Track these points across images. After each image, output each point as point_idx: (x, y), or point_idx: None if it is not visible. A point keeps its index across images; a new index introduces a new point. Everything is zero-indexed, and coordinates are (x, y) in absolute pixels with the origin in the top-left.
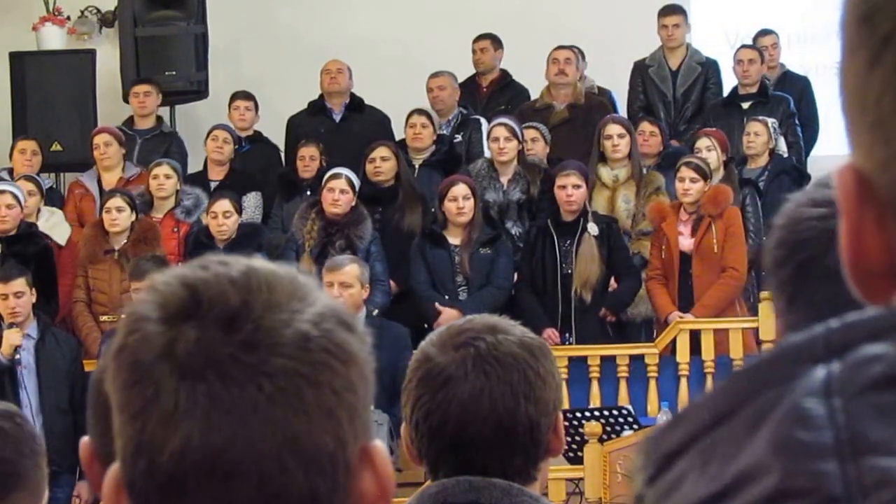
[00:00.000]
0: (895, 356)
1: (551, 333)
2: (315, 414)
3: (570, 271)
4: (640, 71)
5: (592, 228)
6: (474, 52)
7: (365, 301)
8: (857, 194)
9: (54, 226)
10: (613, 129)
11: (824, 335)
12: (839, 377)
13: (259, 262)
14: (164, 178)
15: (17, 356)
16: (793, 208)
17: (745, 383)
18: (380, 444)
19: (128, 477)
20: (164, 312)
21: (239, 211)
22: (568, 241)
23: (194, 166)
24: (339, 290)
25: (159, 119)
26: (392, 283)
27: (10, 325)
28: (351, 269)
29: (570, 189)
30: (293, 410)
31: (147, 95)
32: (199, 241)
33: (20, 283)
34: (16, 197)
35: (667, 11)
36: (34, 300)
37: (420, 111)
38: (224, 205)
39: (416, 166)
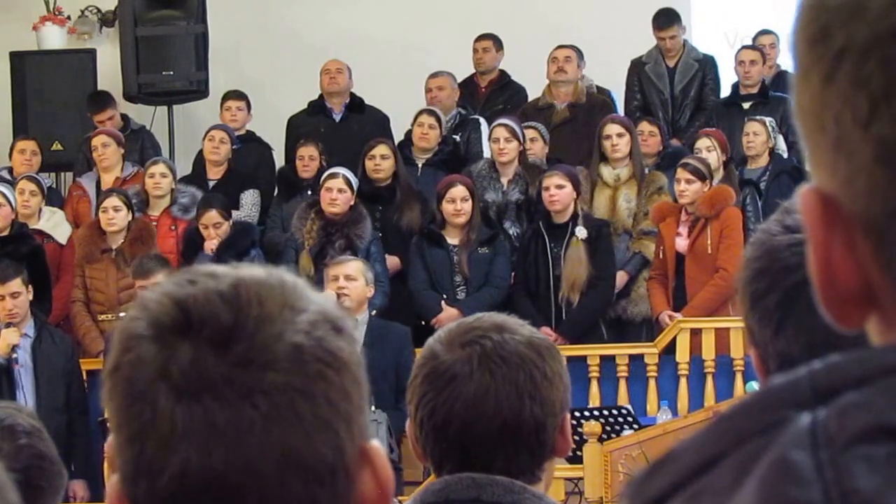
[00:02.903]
0: (883, 404)
1: (546, 332)
2: (312, 427)
3: (560, 274)
4: (637, 69)
5: (580, 232)
6: (475, 51)
7: (369, 300)
8: (824, 217)
9: (56, 225)
10: (612, 128)
11: (808, 378)
12: (825, 427)
13: (247, 271)
14: (159, 177)
15: (14, 355)
16: (766, 238)
17: (730, 429)
18: (378, 445)
19: (130, 496)
20: (156, 331)
21: (228, 217)
22: (558, 245)
23: (187, 165)
24: (345, 281)
25: (125, 118)
26: (397, 258)
27: (8, 325)
28: (356, 264)
29: (552, 189)
30: (290, 426)
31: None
32: (192, 241)
33: (16, 283)
34: (6, 197)
35: (662, 24)
36: (30, 299)
37: (430, 111)
38: (213, 216)
39: (419, 165)
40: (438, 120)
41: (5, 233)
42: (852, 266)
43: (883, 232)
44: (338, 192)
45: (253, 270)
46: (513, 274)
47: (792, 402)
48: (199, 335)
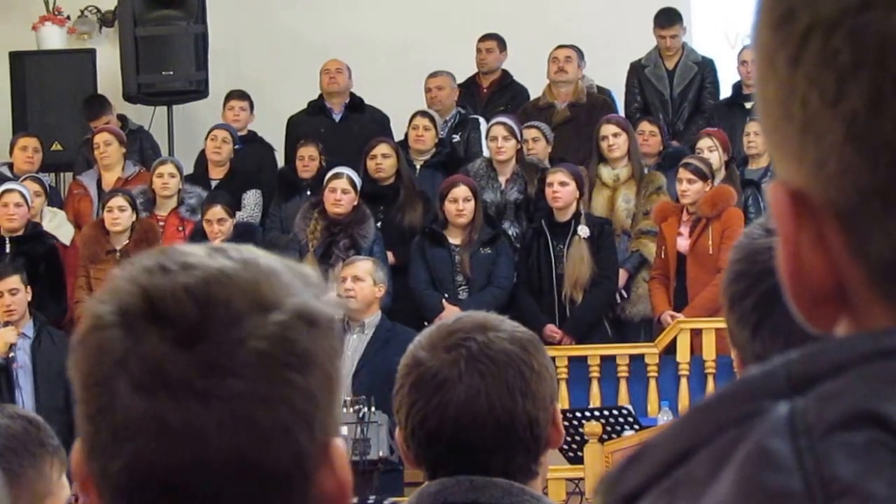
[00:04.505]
0: (861, 391)
1: (552, 330)
2: (270, 434)
3: (563, 272)
4: (636, 71)
5: (583, 230)
6: (479, 51)
7: (379, 299)
8: (792, 211)
9: (58, 226)
10: (608, 129)
11: (784, 367)
12: (804, 415)
13: (222, 262)
14: (168, 177)
15: (12, 354)
16: (747, 242)
17: (704, 420)
18: (340, 444)
19: (90, 470)
20: (121, 319)
21: (232, 214)
22: (561, 243)
23: (188, 166)
24: (351, 283)
25: (122, 118)
26: (391, 255)
27: (6, 324)
28: (364, 265)
29: (556, 186)
30: (246, 433)
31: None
32: (195, 242)
33: (14, 281)
34: (23, 196)
35: (663, 23)
36: (30, 298)
37: (424, 113)
38: (217, 212)
39: (418, 167)
40: (433, 121)
41: (20, 233)
42: (823, 262)
43: (855, 214)
44: (342, 193)
45: (228, 262)
46: (515, 274)
47: (767, 392)
48: (163, 330)
